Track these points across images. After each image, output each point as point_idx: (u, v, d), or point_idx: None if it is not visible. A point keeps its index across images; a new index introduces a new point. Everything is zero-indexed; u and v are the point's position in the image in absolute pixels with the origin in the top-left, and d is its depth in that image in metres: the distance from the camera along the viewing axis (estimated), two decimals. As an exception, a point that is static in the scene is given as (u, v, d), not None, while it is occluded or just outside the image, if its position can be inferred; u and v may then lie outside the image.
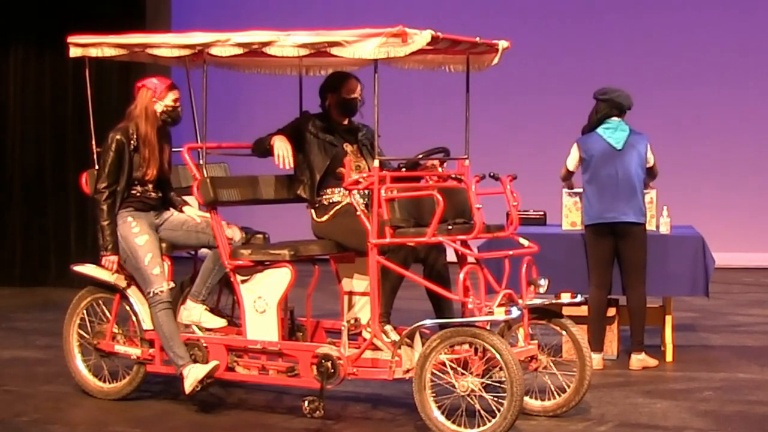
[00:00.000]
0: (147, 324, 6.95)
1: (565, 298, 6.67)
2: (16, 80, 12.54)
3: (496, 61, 6.84)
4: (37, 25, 12.37)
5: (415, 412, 6.22)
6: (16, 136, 12.55)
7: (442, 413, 6.13)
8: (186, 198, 7.10)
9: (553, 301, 6.67)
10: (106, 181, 6.80)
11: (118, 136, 6.81)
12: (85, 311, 7.30)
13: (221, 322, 6.96)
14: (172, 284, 6.88)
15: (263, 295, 6.69)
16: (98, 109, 7.21)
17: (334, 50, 6.35)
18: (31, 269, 12.54)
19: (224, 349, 6.81)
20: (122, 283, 7.02)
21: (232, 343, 6.84)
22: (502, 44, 6.77)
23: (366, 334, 6.63)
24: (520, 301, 6.41)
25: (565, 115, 14.44)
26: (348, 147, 6.98)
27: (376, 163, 6.41)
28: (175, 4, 14.33)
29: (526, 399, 6.58)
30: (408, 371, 6.35)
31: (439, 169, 6.84)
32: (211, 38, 6.70)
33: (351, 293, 7.05)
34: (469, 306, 6.33)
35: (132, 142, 6.82)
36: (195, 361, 6.79)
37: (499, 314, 6.09)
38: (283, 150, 6.83)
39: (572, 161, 8.23)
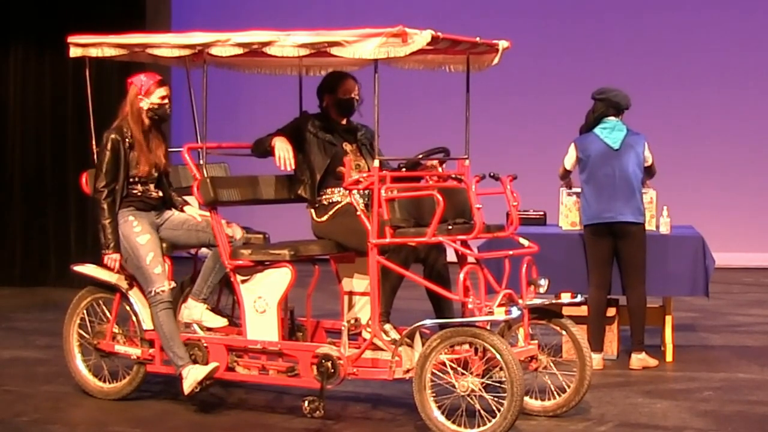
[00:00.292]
0: (147, 324, 6.95)
1: (565, 298, 6.67)
2: (16, 80, 12.54)
3: (496, 61, 6.85)
4: (37, 25, 12.36)
5: (415, 412, 6.22)
6: (16, 136, 12.55)
7: (442, 413, 6.13)
8: (186, 198, 7.10)
9: (553, 301, 6.67)
10: (104, 180, 6.80)
11: (112, 135, 6.82)
12: (85, 311, 7.30)
13: (222, 322, 6.96)
14: (173, 284, 6.88)
15: (263, 295, 6.69)
16: (98, 109, 7.20)
17: (334, 50, 6.35)
18: (31, 269, 12.53)
19: (224, 349, 6.81)
20: (122, 283, 7.02)
21: (233, 343, 6.84)
22: (502, 44, 6.78)
23: (366, 335, 6.62)
24: (520, 301, 6.41)
25: (565, 115, 14.42)
26: (347, 146, 6.98)
27: (376, 163, 6.41)
28: (175, 4, 14.34)
29: (526, 399, 6.58)
30: (408, 371, 6.35)
31: (439, 169, 6.84)
32: (211, 38, 6.70)
33: (351, 293, 7.05)
34: (469, 306, 6.34)
35: (127, 140, 6.82)
36: (195, 362, 6.78)
37: (499, 314, 6.09)
38: (284, 151, 6.83)
39: (570, 161, 8.24)
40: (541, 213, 9.03)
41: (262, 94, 14.13)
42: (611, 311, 8.30)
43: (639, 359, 8.07)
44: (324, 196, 6.91)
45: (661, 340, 8.54)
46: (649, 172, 8.22)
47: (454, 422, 6.11)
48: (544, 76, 14.72)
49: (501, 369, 6.00)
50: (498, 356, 5.99)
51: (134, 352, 7.06)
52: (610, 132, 8.03)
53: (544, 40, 14.62)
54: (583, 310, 8.07)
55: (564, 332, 6.77)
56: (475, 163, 6.95)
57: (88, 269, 7.15)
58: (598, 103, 8.13)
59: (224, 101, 12.68)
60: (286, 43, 6.50)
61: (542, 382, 6.67)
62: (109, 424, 6.64)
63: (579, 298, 6.73)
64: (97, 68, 8.09)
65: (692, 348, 8.98)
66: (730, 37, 14.53)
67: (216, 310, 7.17)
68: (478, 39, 6.58)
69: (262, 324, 6.69)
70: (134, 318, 7.05)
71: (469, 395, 6.10)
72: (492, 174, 6.54)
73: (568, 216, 8.62)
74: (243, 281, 6.75)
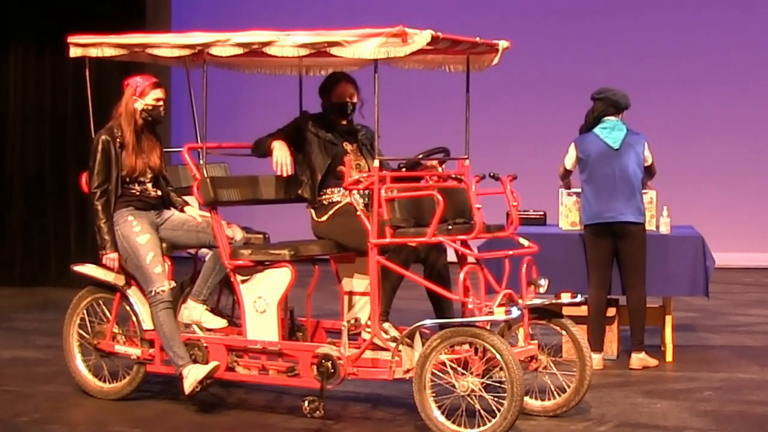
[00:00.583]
0: (147, 324, 6.95)
1: (565, 298, 6.67)
2: (16, 80, 12.54)
3: (496, 61, 6.84)
4: (37, 25, 12.36)
5: (415, 412, 6.22)
6: (16, 136, 12.55)
7: (442, 413, 6.13)
8: (186, 198, 7.10)
9: (553, 301, 6.67)
10: (97, 181, 6.82)
11: (103, 137, 6.83)
12: (85, 311, 7.30)
13: (222, 323, 6.96)
14: (173, 284, 6.88)
15: (263, 295, 6.69)
16: (98, 109, 7.20)
17: (334, 50, 6.35)
18: (31, 269, 12.54)
19: (224, 349, 6.81)
20: (122, 283, 7.02)
21: (233, 343, 6.84)
22: (502, 44, 6.78)
23: (366, 335, 6.62)
24: (520, 301, 6.41)
25: (565, 115, 14.41)
26: (348, 146, 6.98)
27: (376, 163, 6.41)
28: (175, 4, 14.35)
29: (526, 399, 6.58)
30: (408, 371, 6.35)
31: (439, 169, 6.84)
32: (211, 38, 6.70)
33: (351, 293, 7.05)
34: (469, 306, 6.33)
35: (118, 140, 6.83)
36: (195, 361, 6.79)
37: (499, 314, 6.09)
38: (282, 157, 6.83)
39: (570, 160, 8.23)
40: (541, 213, 9.03)
41: (262, 94, 14.13)
42: (611, 311, 8.30)
43: (639, 359, 8.07)
44: (324, 196, 6.90)
45: (661, 340, 8.54)
46: (649, 172, 8.22)
47: (454, 422, 6.11)
48: (544, 76, 14.72)
49: (501, 369, 5.99)
50: (498, 356, 5.99)
51: (134, 352, 7.06)
52: (610, 132, 8.03)
53: (544, 40, 14.63)
54: (583, 310, 8.07)
55: (564, 332, 6.77)
56: (475, 163, 6.95)
57: (88, 269, 7.15)
58: (598, 103, 8.13)
59: (224, 101, 12.69)
60: (286, 43, 6.50)
61: (542, 382, 6.67)
62: (109, 424, 6.64)
63: (579, 298, 6.73)
64: (97, 68, 8.09)
65: (692, 348, 8.98)
66: (730, 37, 14.53)
67: (216, 310, 7.17)
68: (478, 39, 6.58)
69: (262, 324, 6.69)
70: (134, 318, 7.05)
71: (469, 395, 6.10)
72: (492, 174, 6.54)
73: (568, 216, 8.62)
74: (243, 281, 6.75)
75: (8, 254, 12.55)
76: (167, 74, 13.41)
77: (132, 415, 6.80)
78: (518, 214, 6.71)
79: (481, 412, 6.06)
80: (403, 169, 6.71)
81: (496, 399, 6.05)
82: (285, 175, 6.86)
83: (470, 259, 6.51)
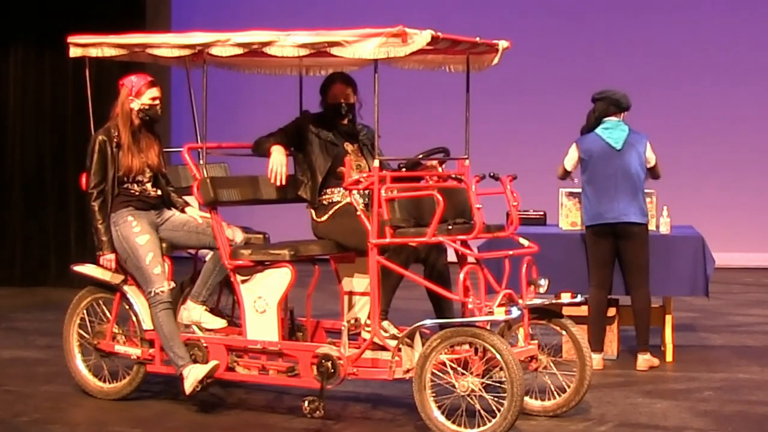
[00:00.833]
0: (147, 324, 6.95)
1: (565, 298, 6.67)
2: (16, 80, 12.54)
3: (496, 61, 6.84)
4: (37, 25, 12.37)
5: (415, 412, 6.22)
6: (16, 136, 12.55)
7: (442, 413, 6.13)
8: (186, 198, 7.10)
9: (553, 301, 6.67)
10: (94, 181, 6.83)
11: (100, 137, 6.84)
12: (85, 311, 7.30)
13: (221, 323, 6.96)
14: (172, 284, 6.88)
15: (263, 295, 6.69)
16: (98, 109, 7.20)
17: (334, 50, 6.35)
18: (31, 269, 12.54)
19: (224, 349, 6.81)
20: (122, 283, 7.02)
21: (232, 343, 6.84)
22: (502, 44, 6.78)
23: (365, 334, 6.62)
24: (520, 301, 6.41)
25: (565, 115, 14.41)
26: (349, 147, 6.98)
27: (376, 163, 6.41)
28: (175, 4, 14.35)
29: (526, 399, 6.58)
30: (408, 371, 6.35)
31: (439, 169, 6.84)
32: (211, 38, 6.70)
33: (351, 293, 7.05)
34: (469, 306, 6.34)
35: (115, 140, 6.83)
36: (195, 361, 6.79)
37: (499, 314, 6.09)
38: (277, 165, 6.84)
39: (570, 161, 8.20)
40: (541, 213, 9.03)
41: (262, 94, 14.13)
42: (611, 311, 8.30)
43: (645, 360, 8.04)
44: (324, 197, 6.91)
45: (661, 340, 8.54)
46: (653, 173, 8.17)
47: (454, 422, 6.11)
48: (544, 76, 14.72)
49: (501, 369, 5.99)
50: (498, 356, 5.99)
51: (134, 352, 7.06)
52: (612, 132, 8.02)
53: (544, 40, 14.63)
54: (583, 310, 8.07)
55: (564, 332, 6.77)
56: (475, 163, 6.95)
57: (88, 269, 7.15)
58: (599, 103, 8.12)
59: (224, 101, 12.69)
60: (286, 43, 6.50)
61: (542, 382, 6.67)
62: (109, 424, 6.64)
63: (579, 298, 6.72)
64: (97, 68, 8.09)
65: (692, 348, 8.98)
66: (730, 37, 14.53)
67: (216, 310, 7.17)
68: (478, 39, 6.59)
69: (262, 324, 6.69)
70: (134, 318, 7.05)
71: (469, 395, 6.10)
72: (492, 174, 6.54)
73: (568, 216, 8.62)
74: (243, 281, 6.75)
75: (8, 254, 12.55)
76: (167, 74, 13.42)
77: (132, 415, 6.79)
78: (518, 214, 6.71)
79: (481, 412, 6.06)
80: (403, 169, 6.71)
81: (496, 399, 6.05)
82: (278, 184, 6.87)
83: (470, 259, 6.51)
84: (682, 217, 9.11)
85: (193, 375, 6.70)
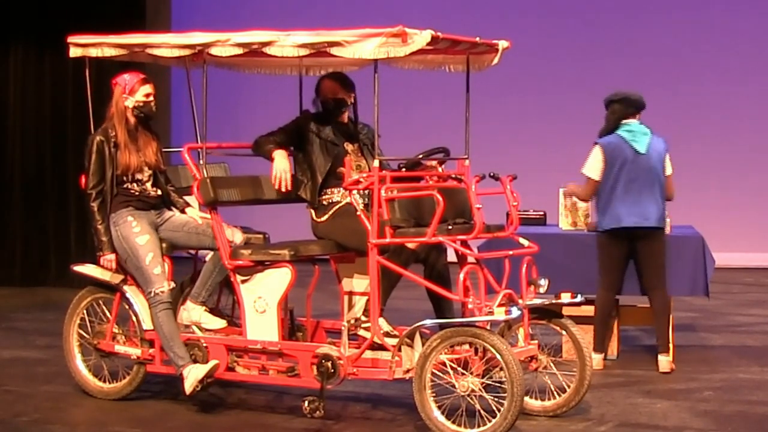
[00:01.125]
0: (147, 324, 6.95)
1: (565, 298, 6.67)
2: (16, 80, 12.54)
3: (496, 61, 6.84)
4: (37, 25, 12.37)
5: (415, 412, 6.22)
6: (16, 136, 12.56)
7: (442, 413, 6.13)
8: (186, 198, 7.09)
9: (553, 301, 6.67)
10: (92, 182, 6.83)
11: (98, 138, 6.84)
12: (85, 311, 7.31)
13: (221, 323, 6.96)
14: (172, 284, 6.88)
15: (263, 295, 6.69)
16: (98, 109, 7.20)
17: (334, 50, 6.35)
18: (31, 269, 12.54)
19: (224, 349, 6.81)
20: (122, 283, 7.02)
21: (232, 343, 6.84)
22: (502, 44, 6.77)
23: (363, 332, 6.62)
24: (520, 301, 6.41)
25: (565, 114, 14.49)
26: (348, 146, 6.98)
27: (376, 163, 6.41)
28: (175, 4, 14.35)
29: (526, 399, 6.58)
30: (408, 371, 6.35)
31: (439, 169, 6.84)
32: (211, 38, 6.70)
33: (351, 293, 7.05)
34: (469, 306, 6.34)
35: (113, 140, 6.83)
36: (195, 361, 6.79)
37: (499, 314, 6.09)
38: (281, 172, 6.83)
39: (596, 167, 7.96)
40: (541, 213, 9.02)
41: (262, 94, 14.13)
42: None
43: (668, 361, 7.96)
44: (324, 197, 6.91)
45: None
46: (667, 186, 8.06)
47: (454, 422, 6.11)
48: (544, 76, 14.72)
49: (501, 369, 5.99)
50: (498, 356, 5.99)
51: (134, 352, 7.06)
52: (635, 135, 7.93)
53: (544, 40, 14.63)
54: (583, 310, 8.06)
55: (564, 332, 6.78)
56: (475, 163, 6.95)
57: (88, 269, 7.15)
58: (617, 105, 7.99)
59: (224, 101, 12.68)
60: (286, 43, 6.50)
61: (542, 382, 6.67)
62: (109, 424, 6.64)
63: (579, 298, 6.72)
64: (97, 68, 8.08)
65: (692, 348, 8.98)
66: (730, 37, 14.53)
67: (215, 311, 7.17)
68: (478, 39, 6.59)
69: (262, 324, 6.69)
70: (134, 318, 7.05)
71: (469, 395, 6.10)
72: (492, 174, 6.54)
73: (568, 216, 8.61)
74: (243, 281, 6.75)
75: (8, 254, 12.56)
76: (167, 74, 13.43)
77: (132, 415, 6.79)
78: (518, 214, 6.70)
79: (481, 412, 6.06)
80: (403, 169, 6.71)
81: (496, 399, 6.05)
82: (284, 190, 6.87)
83: (470, 259, 6.51)
84: (682, 217, 9.11)
85: (193, 375, 6.70)
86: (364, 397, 7.17)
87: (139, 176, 6.90)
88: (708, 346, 9.13)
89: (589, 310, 8.14)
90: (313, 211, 6.96)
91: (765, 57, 14.50)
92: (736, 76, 14.50)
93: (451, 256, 6.68)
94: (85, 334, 7.29)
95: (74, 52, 7.22)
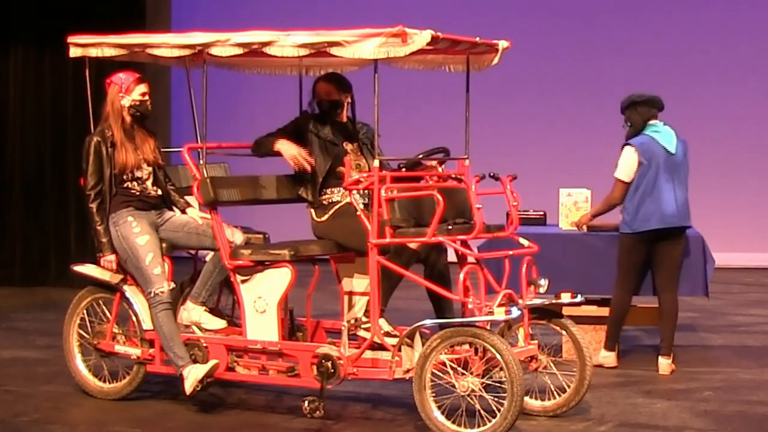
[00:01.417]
0: (147, 324, 6.95)
1: (565, 298, 6.68)
2: (16, 80, 12.53)
3: (496, 61, 6.85)
4: (37, 25, 12.36)
5: (415, 412, 6.22)
6: (16, 136, 12.55)
7: (442, 413, 6.13)
8: (187, 198, 7.09)
9: (553, 301, 6.67)
10: (91, 183, 6.83)
11: (95, 138, 6.84)
12: (85, 311, 7.31)
13: (221, 323, 6.96)
14: (172, 284, 6.88)
15: (263, 295, 6.69)
16: (98, 109, 7.19)
17: (334, 50, 6.35)
18: (31, 269, 12.53)
19: (224, 349, 6.81)
20: (122, 283, 7.02)
21: (232, 343, 6.84)
22: (502, 44, 6.78)
23: (363, 332, 6.62)
24: (520, 301, 6.41)
25: (565, 115, 14.49)
26: (348, 146, 6.98)
27: (376, 163, 6.41)
28: (175, 4, 14.35)
29: (526, 399, 6.58)
30: (408, 371, 6.35)
31: (439, 169, 6.84)
32: (211, 38, 6.70)
33: (351, 293, 7.05)
34: (470, 306, 6.34)
35: (110, 140, 6.83)
36: (195, 361, 6.79)
37: (499, 314, 6.09)
38: (295, 156, 6.81)
39: (630, 169, 7.90)
40: (541, 213, 9.01)
41: (262, 94, 14.13)
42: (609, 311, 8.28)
43: (668, 364, 7.95)
44: (324, 196, 6.91)
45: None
46: None
47: (454, 422, 6.11)
48: (544, 76, 14.72)
49: (501, 369, 6.00)
50: (498, 356, 5.99)
51: (134, 352, 7.06)
52: (663, 135, 7.92)
53: (544, 40, 14.62)
54: (584, 310, 8.07)
55: (564, 332, 6.78)
56: (475, 163, 6.95)
57: (88, 269, 7.16)
58: (641, 107, 7.96)
59: (224, 101, 12.67)
60: (286, 43, 6.50)
61: (542, 382, 6.68)
62: (109, 424, 6.64)
63: (579, 298, 6.72)
64: (97, 68, 8.09)
65: (692, 348, 8.98)
66: (730, 37, 14.53)
67: (215, 311, 7.17)
68: (478, 39, 6.59)
69: (262, 324, 6.69)
70: (134, 318, 7.05)
71: (469, 395, 6.10)
72: (492, 174, 6.54)
73: (568, 216, 8.61)
74: (243, 281, 6.75)
75: (8, 254, 12.55)
76: (167, 74, 13.43)
77: (132, 415, 6.80)
78: (518, 214, 6.71)
79: (481, 412, 6.06)
80: (403, 169, 6.71)
81: (496, 399, 6.05)
82: (309, 169, 6.83)
83: (470, 259, 6.51)
84: (682, 217, 9.09)
85: (193, 375, 6.70)
86: (364, 397, 7.17)
87: (138, 174, 6.89)
88: (708, 346, 9.13)
89: (589, 310, 8.15)
90: (313, 211, 6.96)
91: (765, 57, 14.49)
92: (736, 76, 14.49)
93: (451, 256, 6.68)
94: (85, 334, 7.29)
95: (74, 52, 7.23)
